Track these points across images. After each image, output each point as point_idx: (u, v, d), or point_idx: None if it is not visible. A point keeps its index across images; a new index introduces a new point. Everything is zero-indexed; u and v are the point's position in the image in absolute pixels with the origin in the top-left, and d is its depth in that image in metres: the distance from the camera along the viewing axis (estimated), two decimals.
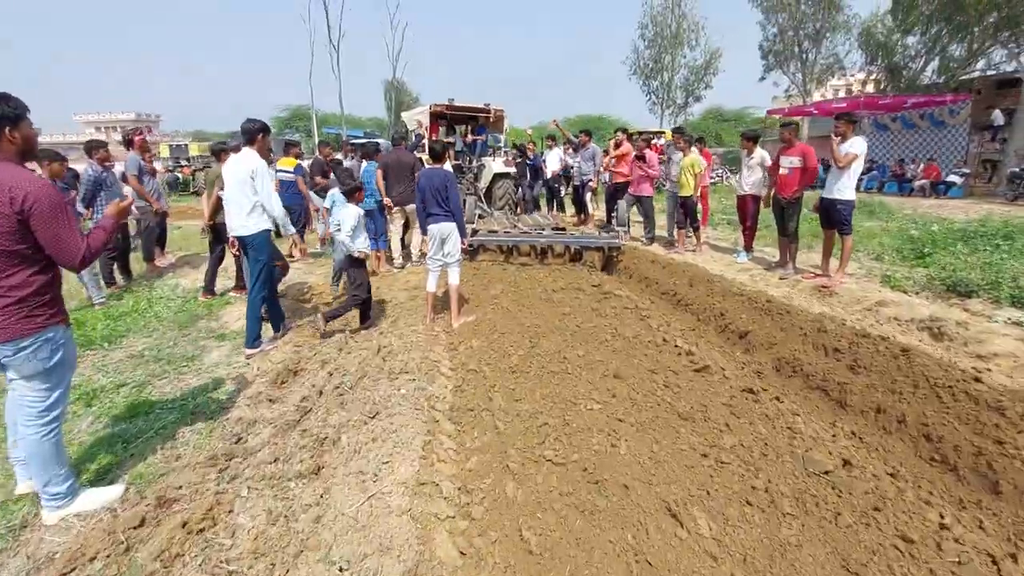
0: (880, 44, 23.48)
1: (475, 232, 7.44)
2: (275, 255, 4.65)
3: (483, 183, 9.99)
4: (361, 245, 4.66)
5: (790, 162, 5.98)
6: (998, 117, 17.54)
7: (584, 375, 3.76)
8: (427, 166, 5.28)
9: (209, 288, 5.84)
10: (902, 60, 23.38)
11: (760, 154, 6.53)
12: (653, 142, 9.30)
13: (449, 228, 4.71)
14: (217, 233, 5.55)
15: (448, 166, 5.07)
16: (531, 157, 10.66)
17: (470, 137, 10.42)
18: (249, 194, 4.07)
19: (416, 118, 9.75)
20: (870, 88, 32.20)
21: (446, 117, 9.97)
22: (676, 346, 4.27)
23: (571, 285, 6.24)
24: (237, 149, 4.36)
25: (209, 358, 4.30)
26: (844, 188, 5.28)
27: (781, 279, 5.87)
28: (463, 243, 4.86)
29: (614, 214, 8.05)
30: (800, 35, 26.20)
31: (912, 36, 22.99)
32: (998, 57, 21.29)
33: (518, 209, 10.19)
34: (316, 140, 40.65)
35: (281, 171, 7.18)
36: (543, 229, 7.69)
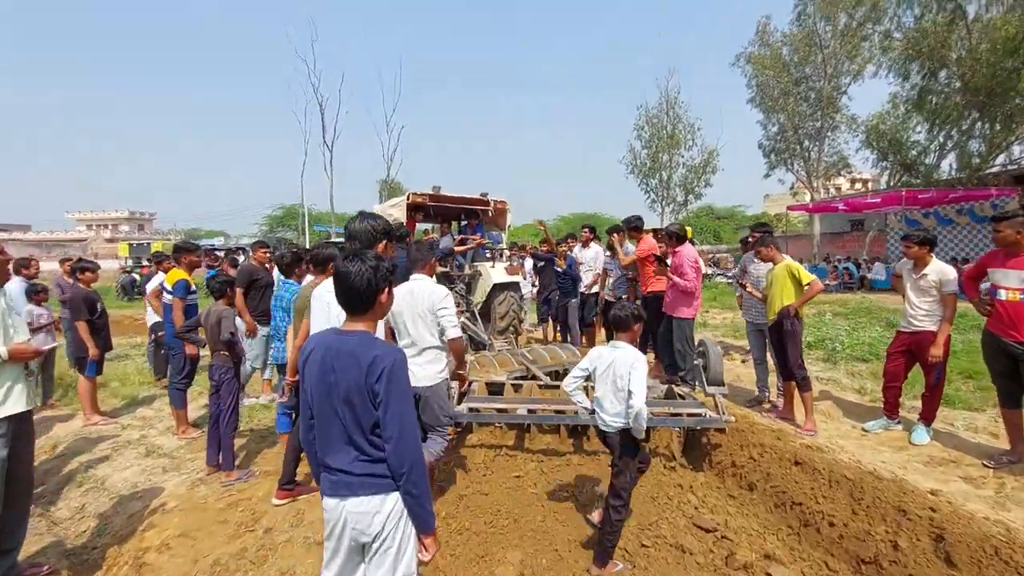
0: (892, 140, 22.60)
1: (466, 392, 4.34)
2: None
3: (478, 297, 7.34)
4: None
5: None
6: None
7: None
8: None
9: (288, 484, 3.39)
10: (917, 156, 22.38)
11: (938, 269, 3.95)
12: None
13: (370, 512, 1.68)
14: None
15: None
16: (561, 258, 7.19)
17: (459, 237, 7.91)
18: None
19: (390, 211, 7.31)
20: (877, 185, 31.73)
21: (427, 210, 7.54)
22: None
23: (642, 505, 3.27)
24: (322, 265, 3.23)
25: None
26: None
27: None
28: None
29: (686, 359, 5.09)
30: (800, 134, 25.63)
31: (918, 132, 22.25)
32: (1017, 151, 20.30)
33: (520, 335, 7.45)
34: (307, 239, 39.53)
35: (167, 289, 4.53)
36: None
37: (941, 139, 21.42)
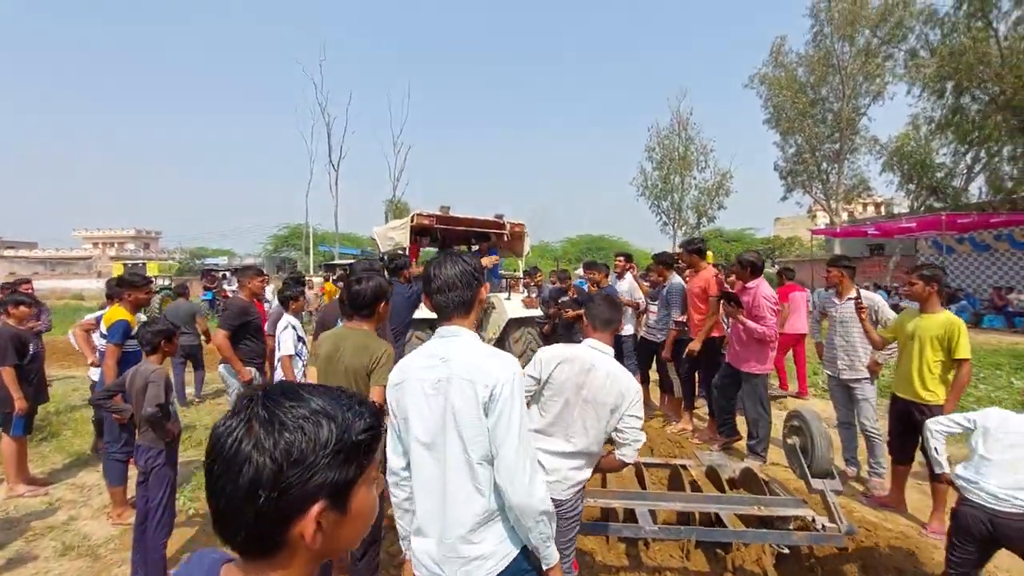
0: (917, 162, 21.71)
1: None
2: None
3: (491, 332, 6.38)
4: None
5: None
6: None
7: None
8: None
9: None
10: (943, 178, 21.46)
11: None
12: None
13: None
14: None
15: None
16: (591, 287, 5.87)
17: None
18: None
19: (390, 234, 6.43)
20: (891, 208, 30.70)
21: (434, 235, 6.65)
22: None
23: None
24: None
25: None
26: None
27: None
28: None
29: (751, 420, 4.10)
30: (818, 156, 24.81)
31: (944, 155, 21.36)
32: None
33: None
34: (311, 259, 38.88)
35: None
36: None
37: (969, 160, 20.54)
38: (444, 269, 1.47)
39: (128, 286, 3.71)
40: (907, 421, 3.40)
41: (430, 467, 1.38)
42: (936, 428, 2.55)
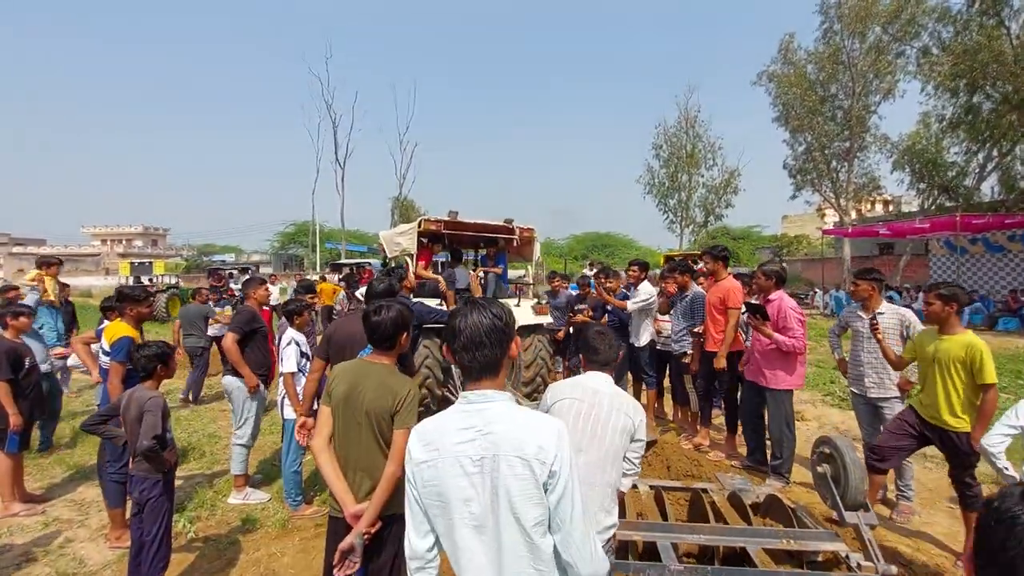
0: (928, 161, 21.36)
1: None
2: None
3: None
4: None
5: None
6: None
7: None
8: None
9: None
10: (954, 177, 21.11)
11: None
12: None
13: None
14: None
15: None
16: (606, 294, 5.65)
17: (480, 269, 6.79)
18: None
19: (397, 239, 6.27)
20: (911, 208, 30.23)
21: (442, 239, 6.49)
22: None
23: None
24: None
25: None
26: None
27: None
28: None
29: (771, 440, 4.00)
30: (827, 154, 24.45)
31: (955, 153, 21.00)
32: None
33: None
34: (318, 256, 38.82)
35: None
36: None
37: (981, 159, 20.19)
38: (470, 322, 1.30)
39: (129, 300, 3.56)
40: (921, 439, 3.30)
41: (481, 554, 1.22)
42: (991, 445, 2.46)
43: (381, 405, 1.97)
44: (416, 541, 1.29)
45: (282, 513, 3.80)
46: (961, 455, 3.10)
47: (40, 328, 5.52)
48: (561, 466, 1.19)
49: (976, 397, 3.04)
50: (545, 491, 1.19)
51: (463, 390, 1.35)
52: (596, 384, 2.07)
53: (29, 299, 5.27)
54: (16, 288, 5.99)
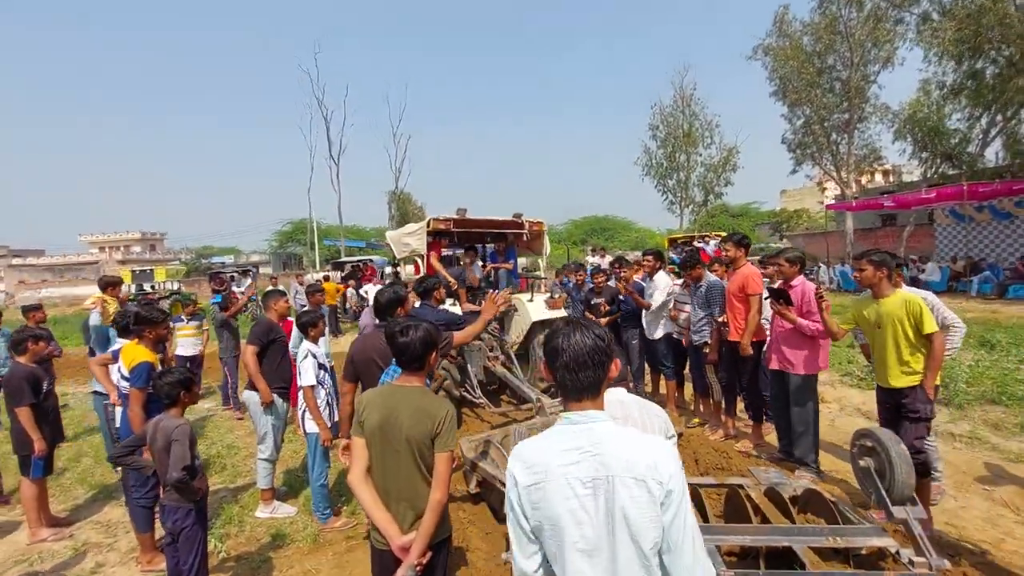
0: (931, 129, 21.08)
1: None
2: None
3: (514, 336, 6.17)
4: None
5: None
6: None
7: None
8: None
9: None
10: (957, 144, 20.86)
11: None
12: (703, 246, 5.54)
13: None
14: None
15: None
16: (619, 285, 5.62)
17: (489, 266, 6.69)
18: None
19: (406, 240, 6.18)
20: (912, 177, 29.99)
21: (451, 236, 6.40)
22: None
23: None
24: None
25: None
26: None
27: None
28: None
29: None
30: (827, 127, 24.16)
31: (957, 120, 20.73)
32: None
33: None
34: (317, 254, 38.67)
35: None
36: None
37: (984, 125, 19.92)
38: (573, 343, 1.30)
39: (148, 323, 3.48)
40: (894, 411, 3.35)
41: None
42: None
43: (420, 430, 1.90)
44: (523, 562, 1.29)
45: (312, 527, 3.78)
46: (910, 414, 3.22)
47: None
48: (675, 485, 1.19)
49: (919, 350, 3.20)
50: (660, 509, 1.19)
51: (565, 410, 1.34)
52: (618, 395, 2.05)
53: (93, 319, 5.22)
54: (40, 308, 5.95)
